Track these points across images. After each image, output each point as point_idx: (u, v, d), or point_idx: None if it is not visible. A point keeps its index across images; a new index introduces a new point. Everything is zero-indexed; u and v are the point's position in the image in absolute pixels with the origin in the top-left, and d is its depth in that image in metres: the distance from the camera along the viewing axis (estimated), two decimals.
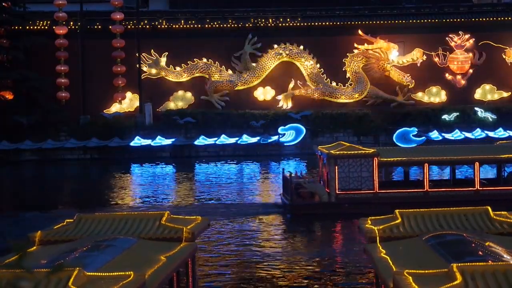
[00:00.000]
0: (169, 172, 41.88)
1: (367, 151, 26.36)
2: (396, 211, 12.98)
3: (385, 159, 26.13)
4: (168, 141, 47.42)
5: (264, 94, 50.90)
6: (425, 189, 26.14)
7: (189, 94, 50.72)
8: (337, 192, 25.89)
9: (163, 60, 50.80)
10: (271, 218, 25.66)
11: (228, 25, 50.87)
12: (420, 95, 51.06)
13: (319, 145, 29.74)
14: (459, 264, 8.90)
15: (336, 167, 25.87)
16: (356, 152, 26.31)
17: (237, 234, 23.14)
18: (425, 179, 26.17)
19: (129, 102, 50.70)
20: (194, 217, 13.64)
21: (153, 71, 50.82)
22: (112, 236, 11.92)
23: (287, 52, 50.75)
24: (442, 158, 26.61)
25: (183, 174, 40.03)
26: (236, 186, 34.76)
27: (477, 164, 26.19)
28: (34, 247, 11.85)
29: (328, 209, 25.75)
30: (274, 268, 18.88)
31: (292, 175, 26.83)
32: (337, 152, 26.15)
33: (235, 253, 20.60)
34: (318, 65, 50.62)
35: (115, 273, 9.22)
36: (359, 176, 25.92)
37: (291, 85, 50.56)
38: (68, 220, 12.80)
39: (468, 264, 8.99)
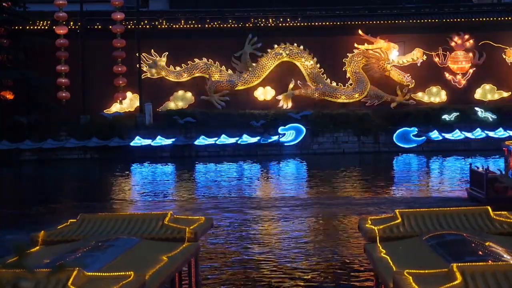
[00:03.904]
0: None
1: None
2: (396, 211, 13.01)
3: None
4: (168, 141, 47.47)
5: (264, 94, 50.93)
6: None
7: (189, 94, 50.76)
8: None
9: (163, 60, 50.83)
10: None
11: (228, 25, 50.89)
12: (420, 95, 51.08)
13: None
14: (459, 264, 8.92)
15: None
16: None
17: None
18: None
19: (129, 102, 50.74)
20: (198, 217, 13.67)
21: (153, 71, 50.86)
22: (115, 236, 11.95)
23: (287, 52, 50.78)
24: None
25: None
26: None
27: None
28: (37, 247, 11.88)
29: None
30: None
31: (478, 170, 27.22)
32: None
33: None
34: (318, 65, 50.66)
35: (115, 273, 9.23)
36: None
37: (291, 85, 50.58)
38: (71, 220, 12.84)
39: (468, 264, 9.02)
